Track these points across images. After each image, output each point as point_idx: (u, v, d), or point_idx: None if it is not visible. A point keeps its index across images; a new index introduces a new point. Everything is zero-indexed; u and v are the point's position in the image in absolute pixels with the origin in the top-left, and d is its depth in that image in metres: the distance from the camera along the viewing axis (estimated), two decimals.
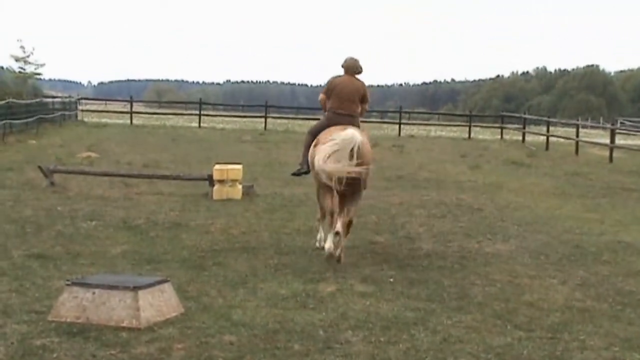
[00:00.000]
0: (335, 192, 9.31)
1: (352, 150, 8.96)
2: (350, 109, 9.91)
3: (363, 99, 10.09)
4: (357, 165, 8.97)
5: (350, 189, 9.28)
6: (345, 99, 9.90)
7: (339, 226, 9.14)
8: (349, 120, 9.78)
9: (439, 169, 21.93)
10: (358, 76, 10.21)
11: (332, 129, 9.51)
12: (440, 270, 9.11)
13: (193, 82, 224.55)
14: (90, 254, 9.34)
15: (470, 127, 43.69)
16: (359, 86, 10.07)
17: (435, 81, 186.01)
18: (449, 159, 26.38)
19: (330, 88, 10.03)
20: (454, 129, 48.14)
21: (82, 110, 46.17)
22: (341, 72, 10.22)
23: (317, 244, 10.02)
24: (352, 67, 10.14)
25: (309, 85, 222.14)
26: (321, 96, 10.19)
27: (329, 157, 9.06)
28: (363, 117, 10.56)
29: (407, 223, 12.34)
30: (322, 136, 9.58)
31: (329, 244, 9.21)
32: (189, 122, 44.12)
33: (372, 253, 9.95)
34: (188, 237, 10.57)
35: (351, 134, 9.03)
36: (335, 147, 9.03)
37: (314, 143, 9.76)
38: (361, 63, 10.17)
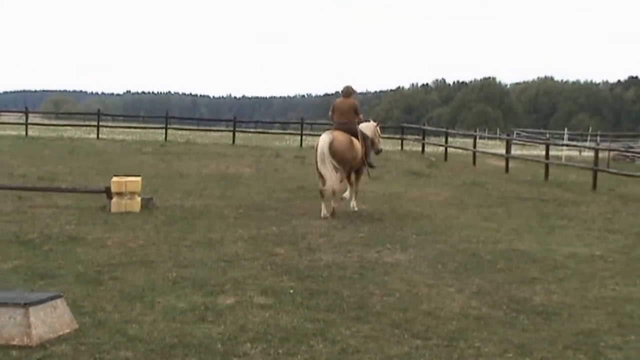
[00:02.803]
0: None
1: (322, 148, 14.05)
2: (347, 119, 14.87)
3: (356, 111, 15.00)
4: (334, 156, 14.14)
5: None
6: (343, 113, 14.90)
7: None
8: (347, 126, 14.74)
9: None
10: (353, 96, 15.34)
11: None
12: (340, 280, 9.15)
13: (92, 92, 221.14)
14: None
15: None
16: (351, 103, 15.05)
17: (337, 92, 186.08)
18: None
19: (334, 107, 15.14)
20: None
21: None
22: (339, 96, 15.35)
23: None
24: (347, 91, 15.16)
25: (211, 96, 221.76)
26: (330, 114, 15.16)
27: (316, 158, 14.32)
28: (361, 122, 15.43)
29: (308, 234, 12.36)
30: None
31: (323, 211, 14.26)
32: (87, 133, 43.13)
33: (273, 264, 9.92)
34: (84, 251, 10.34)
35: (322, 140, 14.27)
36: (316, 152, 14.34)
37: None
38: (353, 88, 15.32)
